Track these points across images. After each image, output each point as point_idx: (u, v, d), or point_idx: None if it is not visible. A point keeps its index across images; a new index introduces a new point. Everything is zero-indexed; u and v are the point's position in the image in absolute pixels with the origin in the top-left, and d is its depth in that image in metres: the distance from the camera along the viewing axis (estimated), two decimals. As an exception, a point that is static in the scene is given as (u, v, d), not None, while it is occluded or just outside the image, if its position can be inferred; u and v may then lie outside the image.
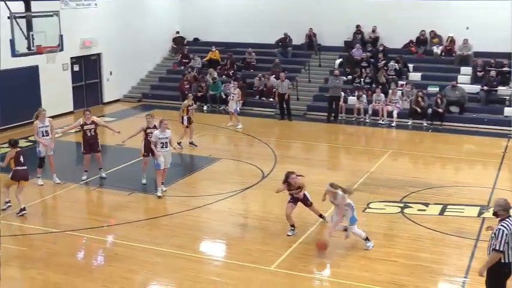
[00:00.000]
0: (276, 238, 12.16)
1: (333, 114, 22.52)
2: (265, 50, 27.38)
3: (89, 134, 15.52)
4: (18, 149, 13.62)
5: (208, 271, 10.92)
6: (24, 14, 15.54)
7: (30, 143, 19.44)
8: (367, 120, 22.50)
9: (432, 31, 25.29)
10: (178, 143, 17.90)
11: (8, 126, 20.82)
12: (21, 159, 13.38)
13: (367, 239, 11.58)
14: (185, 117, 18.36)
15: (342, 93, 22.84)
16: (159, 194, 14.40)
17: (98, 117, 21.22)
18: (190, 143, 18.59)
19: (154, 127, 14.82)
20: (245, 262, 11.08)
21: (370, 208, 13.65)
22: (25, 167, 13.47)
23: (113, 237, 12.43)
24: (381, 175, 16.08)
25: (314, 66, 26.05)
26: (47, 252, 11.61)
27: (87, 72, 25.17)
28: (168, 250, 11.56)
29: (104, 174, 15.85)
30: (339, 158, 19.10)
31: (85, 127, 15.53)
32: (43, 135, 15.32)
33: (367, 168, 16.65)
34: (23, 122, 20.73)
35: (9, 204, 13.70)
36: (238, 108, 21.70)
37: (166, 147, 14.44)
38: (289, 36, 26.93)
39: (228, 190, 14.88)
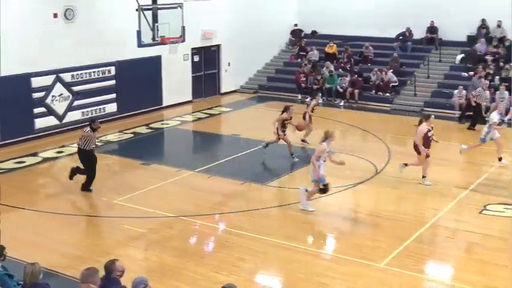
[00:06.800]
0: (387, 235, 11.98)
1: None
2: (383, 44, 26.87)
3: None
4: None
5: (316, 264, 10.94)
6: (150, 7, 16.35)
7: (152, 130, 20.38)
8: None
9: None
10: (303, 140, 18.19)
11: (128, 114, 21.73)
12: None
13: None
14: (307, 115, 18.33)
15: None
16: None
17: (215, 107, 21.79)
18: (302, 140, 18.50)
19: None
20: (354, 257, 11.00)
21: (487, 210, 13.14)
22: None
23: (224, 225, 12.76)
24: (501, 176, 15.39)
25: (434, 61, 25.28)
26: (163, 235, 12.12)
27: (206, 63, 25.85)
28: (277, 241, 11.69)
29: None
30: (457, 156, 18.20)
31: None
32: None
33: (487, 168, 16.00)
34: (143, 110, 21.61)
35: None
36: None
37: None
38: (410, 30, 26.28)
39: (340, 184, 14.77)
